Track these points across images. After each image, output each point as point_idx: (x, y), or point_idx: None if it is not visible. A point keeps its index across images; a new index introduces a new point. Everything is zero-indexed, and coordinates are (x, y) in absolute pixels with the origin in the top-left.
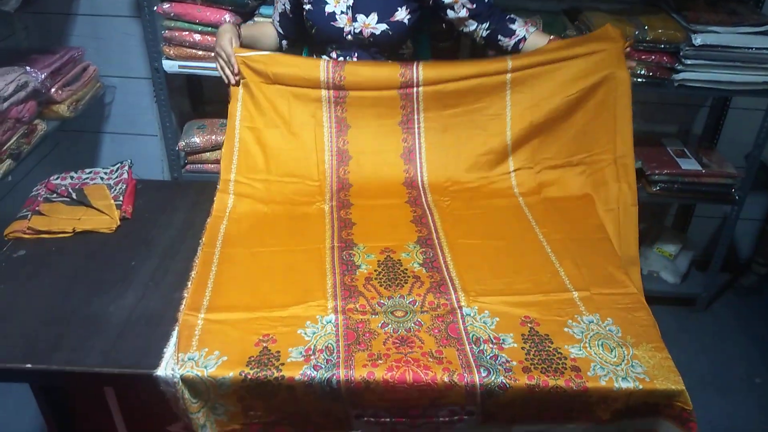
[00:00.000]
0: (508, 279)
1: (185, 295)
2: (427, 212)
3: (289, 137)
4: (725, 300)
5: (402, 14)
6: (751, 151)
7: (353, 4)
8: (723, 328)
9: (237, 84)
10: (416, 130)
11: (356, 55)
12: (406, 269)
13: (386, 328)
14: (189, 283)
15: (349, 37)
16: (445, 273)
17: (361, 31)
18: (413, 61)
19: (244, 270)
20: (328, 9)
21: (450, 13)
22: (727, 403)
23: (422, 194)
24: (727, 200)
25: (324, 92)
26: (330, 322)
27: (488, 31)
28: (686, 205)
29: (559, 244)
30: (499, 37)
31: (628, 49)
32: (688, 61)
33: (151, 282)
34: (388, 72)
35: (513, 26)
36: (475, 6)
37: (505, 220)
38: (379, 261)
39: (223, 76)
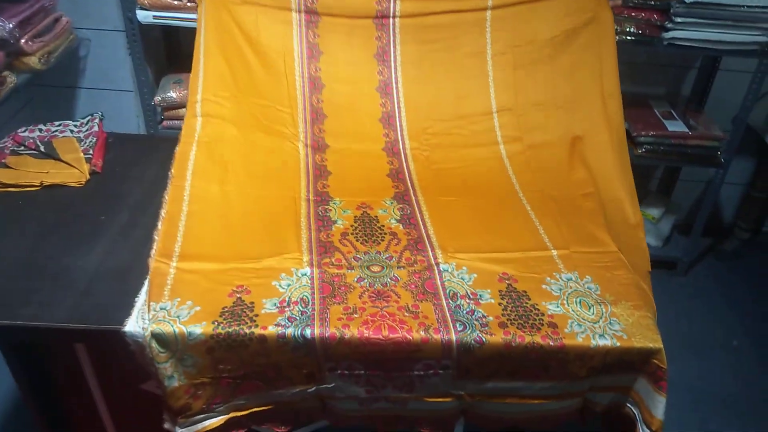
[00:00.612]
0: (487, 236)
1: (155, 237)
2: (404, 166)
3: (257, 60)
4: (706, 264)
5: None
6: (738, 113)
7: None
8: (703, 292)
9: None
10: (392, 62)
11: None
12: (383, 225)
13: (362, 282)
14: (159, 223)
15: None
16: (423, 230)
17: None
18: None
19: (216, 213)
20: None
21: None
22: (704, 365)
23: (400, 140)
24: (713, 163)
25: (295, 15)
26: (305, 274)
27: None
28: (672, 169)
29: (539, 202)
30: None
31: None
32: (679, 19)
33: (120, 236)
34: (364, 32)
35: None
36: None
37: (485, 176)
38: (355, 216)
39: None
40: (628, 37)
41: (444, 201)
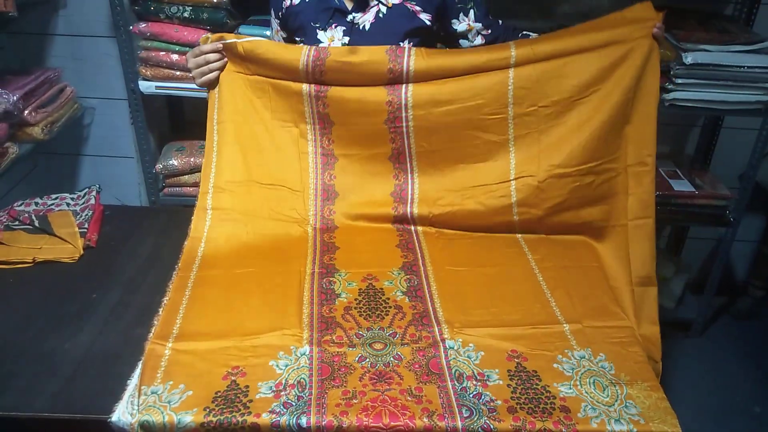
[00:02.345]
0: (496, 309)
1: (155, 322)
2: (414, 237)
3: (270, 139)
4: (721, 324)
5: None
6: (745, 171)
7: (348, 42)
8: (720, 354)
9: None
10: (405, 130)
11: None
12: (388, 299)
13: (363, 362)
14: (160, 310)
15: None
16: (429, 303)
17: None
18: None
19: (219, 292)
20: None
21: (464, 43)
22: None
23: (409, 215)
24: (722, 222)
25: (305, 86)
26: (304, 354)
27: None
28: (680, 228)
29: (551, 272)
30: None
31: (658, 25)
32: (679, 80)
33: (111, 317)
34: (375, 98)
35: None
36: (490, 32)
37: (496, 246)
38: (360, 289)
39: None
40: None
41: (453, 271)
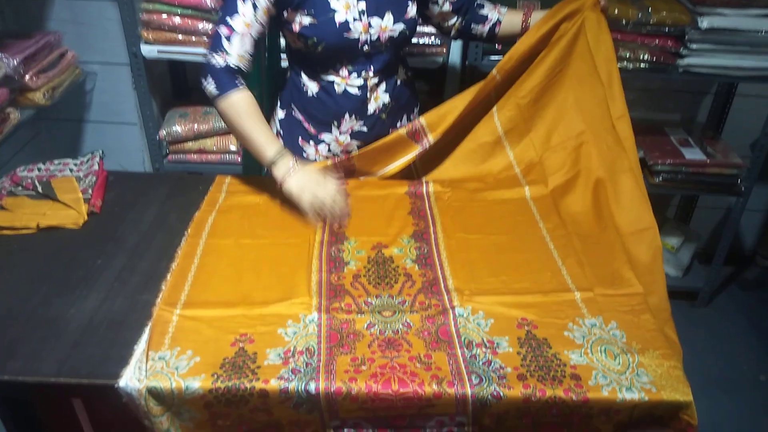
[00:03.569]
0: (506, 277)
1: (163, 288)
2: (426, 205)
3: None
4: (728, 294)
5: (412, 9)
6: (758, 139)
7: (366, 7)
8: (726, 323)
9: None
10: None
11: (371, 68)
12: (397, 266)
13: (372, 329)
14: (168, 275)
15: (366, 47)
16: (439, 271)
17: (378, 38)
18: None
19: (228, 262)
20: (339, 18)
21: (434, 8)
22: (731, 402)
23: (424, 186)
24: (733, 191)
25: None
26: (313, 321)
27: (463, 23)
28: (689, 196)
29: (562, 240)
30: (472, 25)
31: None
32: (694, 46)
33: (117, 282)
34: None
35: (484, 11)
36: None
37: (508, 213)
38: (369, 257)
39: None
40: (642, 65)
41: (463, 238)
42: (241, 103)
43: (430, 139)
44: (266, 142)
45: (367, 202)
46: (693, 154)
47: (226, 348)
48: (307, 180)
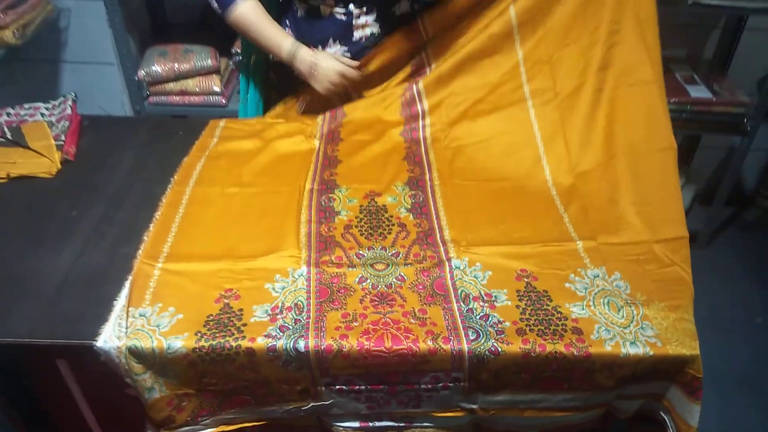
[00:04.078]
0: (505, 226)
1: (145, 239)
2: (422, 148)
3: None
4: (727, 236)
5: None
6: (766, 76)
7: None
8: (723, 266)
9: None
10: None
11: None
12: (391, 216)
13: (364, 284)
14: (151, 226)
15: None
16: (434, 221)
17: None
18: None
19: (214, 212)
20: None
21: None
22: (726, 343)
23: (420, 121)
24: (738, 131)
25: None
26: (302, 275)
27: None
28: (693, 136)
29: (566, 184)
30: None
31: None
32: None
33: (94, 235)
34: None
35: None
36: None
37: (510, 148)
38: (361, 206)
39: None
40: None
41: (461, 185)
42: (247, 14)
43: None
44: (278, 39)
45: (361, 148)
46: (699, 91)
47: (211, 304)
48: (327, 58)
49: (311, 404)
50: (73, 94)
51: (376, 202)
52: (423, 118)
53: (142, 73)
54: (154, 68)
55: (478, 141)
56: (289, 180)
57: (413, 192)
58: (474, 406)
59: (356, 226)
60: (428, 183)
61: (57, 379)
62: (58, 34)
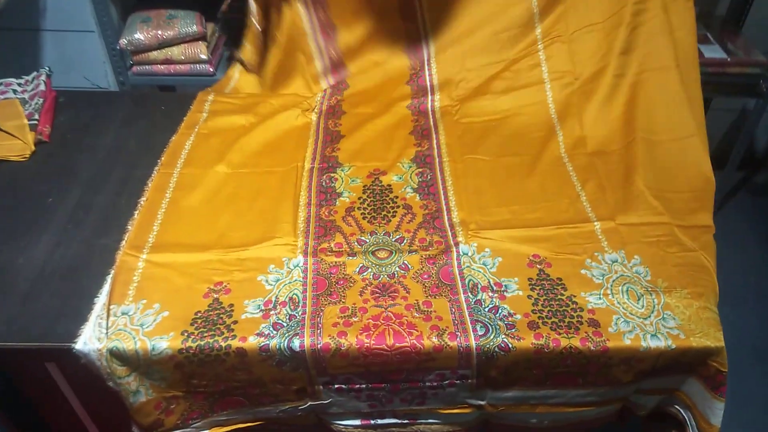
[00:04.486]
0: (517, 206)
1: (129, 228)
2: (431, 122)
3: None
4: (738, 201)
5: None
6: None
7: None
8: (735, 232)
9: None
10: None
11: None
12: (396, 197)
13: (365, 273)
14: (135, 213)
15: None
16: (442, 201)
17: None
18: None
19: (203, 196)
20: None
21: None
22: (737, 314)
23: (429, 96)
24: (754, 92)
25: None
26: (298, 266)
27: None
28: (704, 99)
29: (583, 160)
30: None
31: None
32: None
33: (71, 224)
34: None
35: None
36: None
37: (524, 128)
38: (365, 186)
39: None
40: None
41: (471, 160)
42: None
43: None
44: None
45: (366, 121)
46: (713, 52)
47: (199, 300)
48: None
49: (309, 403)
50: (47, 69)
51: (381, 182)
52: (432, 93)
53: (123, 41)
54: (136, 36)
55: (490, 119)
56: (286, 158)
57: (420, 169)
58: (482, 403)
59: (358, 208)
60: (436, 159)
61: (46, 380)
62: (36, 1)
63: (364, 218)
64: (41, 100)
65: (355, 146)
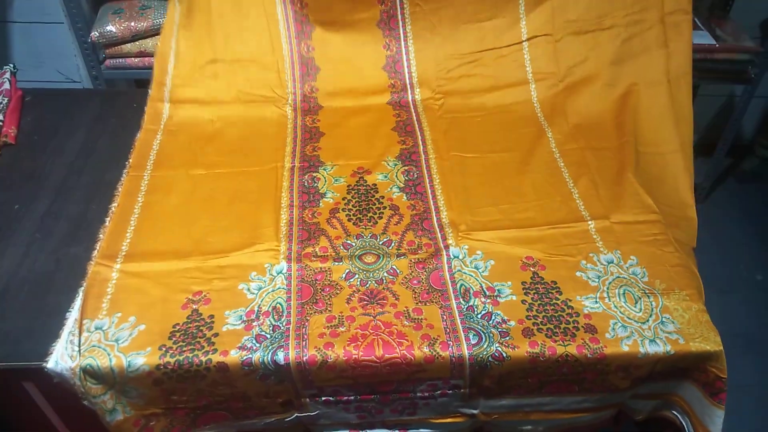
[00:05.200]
0: (508, 205)
1: (101, 236)
2: (414, 117)
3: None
4: (726, 188)
5: None
6: None
7: None
8: (723, 220)
9: None
10: (401, 34)
11: None
12: (383, 197)
13: (351, 280)
14: (107, 220)
15: None
16: (430, 200)
17: None
18: None
19: (178, 199)
20: None
21: None
22: (726, 302)
23: (409, 89)
24: (742, 79)
25: None
26: (281, 272)
27: None
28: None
29: (575, 156)
30: None
31: None
32: None
33: (39, 233)
34: None
35: None
36: None
37: (511, 123)
38: (349, 186)
39: None
40: None
41: (459, 158)
42: None
43: None
44: None
45: (345, 117)
46: (700, 37)
47: (176, 312)
48: None
49: (295, 415)
50: (12, 66)
51: (366, 181)
52: (412, 88)
53: (95, 34)
54: (108, 28)
55: (474, 115)
56: (263, 157)
57: (406, 167)
58: (475, 411)
59: (344, 209)
60: (422, 156)
61: (25, 400)
62: None
63: (349, 220)
64: (6, 99)
65: (337, 143)
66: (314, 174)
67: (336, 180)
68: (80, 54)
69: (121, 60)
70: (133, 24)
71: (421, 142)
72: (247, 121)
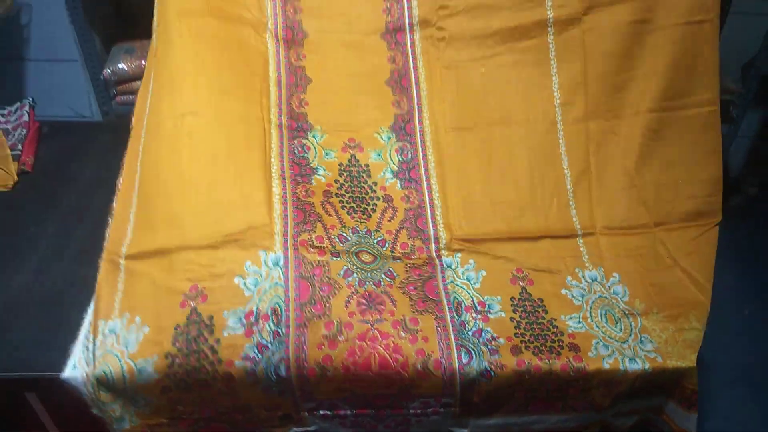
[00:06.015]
0: (504, 204)
1: (109, 221)
2: (410, 65)
3: None
4: None
5: None
6: (754, 62)
7: None
8: None
9: None
10: None
11: None
12: (375, 183)
13: (350, 279)
14: (114, 202)
15: None
16: (425, 191)
17: None
18: None
19: (167, 156)
20: None
21: None
22: (714, 335)
23: (407, 20)
24: (724, 120)
25: None
26: (277, 264)
27: None
28: None
29: (578, 136)
30: None
31: None
32: None
33: (53, 253)
34: None
35: None
36: None
37: (521, 87)
38: (341, 165)
39: None
40: None
41: (456, 134)
42: None
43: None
44: None
45: (334, 57)
46: None
47: (176, 311)
48: None
49: (293, 429)
50: (31, 99)
51: (358, 160)
52: (411, 30)
53: (107, 71)
54: (120, 66)
55: (479, 72)
56: (247, 97)
57: (400, 144)
58: (465, 430)
59: (337, 194)
60: (417, 130)
61: (25, 411)
62: (19, 30)
63: (343, 208)
64: (25, 130)
65: (326, 97)
66: (304, 141)
67: (327, 154)
68: (93, 90)
69: (131, 96)
70: (143, 62)
71: (417, 109)
72: (219, 37)
